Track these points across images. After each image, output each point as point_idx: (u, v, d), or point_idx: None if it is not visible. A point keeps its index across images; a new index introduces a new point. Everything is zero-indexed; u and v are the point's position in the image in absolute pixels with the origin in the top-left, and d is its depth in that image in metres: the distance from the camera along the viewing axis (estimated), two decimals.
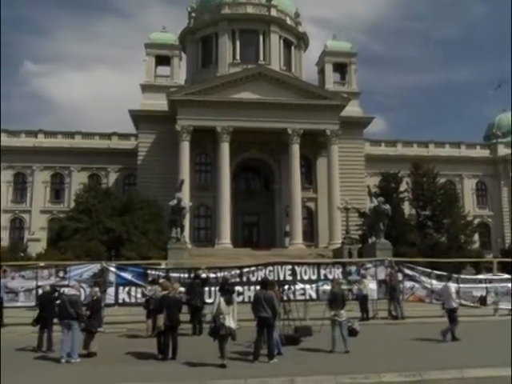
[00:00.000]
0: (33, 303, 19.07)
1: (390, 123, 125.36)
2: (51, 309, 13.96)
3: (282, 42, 55.89)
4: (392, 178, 45.10)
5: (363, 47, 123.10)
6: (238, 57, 53.66)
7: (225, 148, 46.45)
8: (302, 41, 59.10)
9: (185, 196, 38.98)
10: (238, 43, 54.14)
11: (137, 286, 19.15)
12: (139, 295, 18.65)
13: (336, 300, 13.80)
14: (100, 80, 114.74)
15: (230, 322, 11.73)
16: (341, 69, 55.97)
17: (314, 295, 19.87)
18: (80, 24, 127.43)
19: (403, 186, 45.60)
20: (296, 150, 47.13)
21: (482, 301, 21.65)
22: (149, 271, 19.66)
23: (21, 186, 54.11)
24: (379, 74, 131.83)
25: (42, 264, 21.03)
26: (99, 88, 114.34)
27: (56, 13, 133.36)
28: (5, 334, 17.03)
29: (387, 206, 32.20)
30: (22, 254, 40.37)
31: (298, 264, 20.80)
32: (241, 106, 46.28)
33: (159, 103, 48.59)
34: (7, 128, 55.47)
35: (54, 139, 54.88)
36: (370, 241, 32.89)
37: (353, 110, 51.29)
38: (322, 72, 56.64)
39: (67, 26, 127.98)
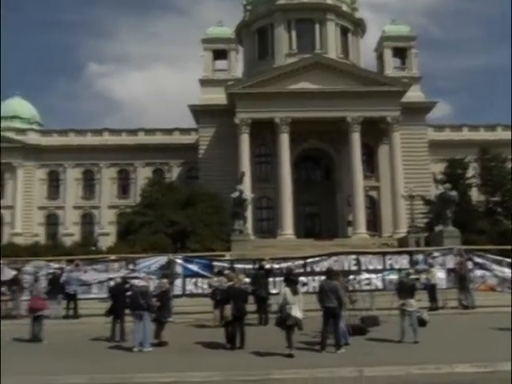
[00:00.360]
0: (105, 295, 19.85)
1: (453, 107, 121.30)
2: (123, 300, 14.45)
3: (338, 29, 55.00)
4: (458, 164, 43.68)
5: (422, 30, 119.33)
6: (294, 47, 53.29)
7: (284, 139, 46.40)
8: (359, 27, 57.93)
9: (246, 188, 39.31)
10: (293, 33, 53.73)
11: (203, 277, 19.56)
12: (205, 286, 19.03)
13: (405, 289, 13.56)
14: (160, 78, 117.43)
15: (297, 312, 11.77)
16: (400, 53, 54.51)
17: (379, 285, 19.61)
18: (139, 25, 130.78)
19: (470, 172, 44.15)
20: (356, 138, 46.45)
21: None
22: (214, 263, 20.05)
23: (89, 182, 56.31)
24: (439, 57, 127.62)
25: (112, 257, 21.82)
26: (159, 85, 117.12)
27: (117, 15, 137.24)
28: (80, 324, 17.88)
29: (454, 193, 31.24)
30: (93, 248, 42.03)
31: (363, 254, 20.57)
32: (299, 96, 46.04)
33: (218, 97, 49.10)
34: (75, 128, 57.96)
35: (118, 137, 56.75)
36: (436, 229, 32.03)
37: (414, 95, 49.90)
38: (380, 58, 55.38)
39: (128, 27, 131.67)
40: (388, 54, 53.98)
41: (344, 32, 55.97)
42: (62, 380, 9.93)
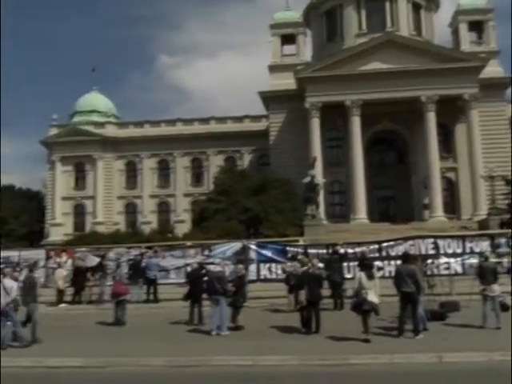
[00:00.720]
0: (182, 280, 20.50)
1: None
2: (200, 285, 14.83)
3: (410, 5, 52.91)
4: None
5: (499, 1, 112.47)
6: (364, 26, 51.95)
7: (355, 122, 45.55)
8: (432, 2, 55.52)
9: (318, 173, 39.06)
10: (363, 12, 52.28)
11: (277, 262, 19.70)
12: (279, 271, 19.16)
13: (486, 274, 13.04)
14: (229, 66, 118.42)
15: (373, 297, 11.61)
16: (477, 27, 51.73)
17: (459, 269, 18.91)
18: (208, 14, 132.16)
19: None
20: (431, 117, 44.80)
21: None
22: (288, 248, 20.10)
23: (164, 172, 57.98)
24: None
25: (188, 243, 22.41)
26: (229, 74, 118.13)
27: (186, 6, 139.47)
28: (159, 308, 18.55)
29: None
30: (170, 235, 43.40)
31: (441, 237, 19.90)
32: (370, 77, 44.92)
33: (287, 82, 48.84)
34: (149, 119, 59.77)
35: (191, 126, 57.94)
36: None
37: (493, 70, 47.30)
38: (455, 33, 52.87)
39: (197, 17, 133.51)
40: (464, 29, 51.42)
41: (416, 8, 53.81)
42: (142, 362, 10.36)
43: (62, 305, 19.75)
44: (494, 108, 47.29)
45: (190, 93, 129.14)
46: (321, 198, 38.41)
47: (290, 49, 54.27)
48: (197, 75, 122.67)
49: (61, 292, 20.10)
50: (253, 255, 20.08)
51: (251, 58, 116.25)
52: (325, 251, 19.45)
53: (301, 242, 22.83)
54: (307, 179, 34.12)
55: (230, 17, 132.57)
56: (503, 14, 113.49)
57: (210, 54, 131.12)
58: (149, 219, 55.45)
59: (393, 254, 19.08)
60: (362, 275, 11.93)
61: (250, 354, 10.48)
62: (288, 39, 53.93)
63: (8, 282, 12.30)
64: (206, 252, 20.56)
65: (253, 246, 20.42)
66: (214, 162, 55.53)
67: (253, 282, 19.40)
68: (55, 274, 20.19)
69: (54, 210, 56.59)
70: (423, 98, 44.57)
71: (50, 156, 58.15)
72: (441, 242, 19.29)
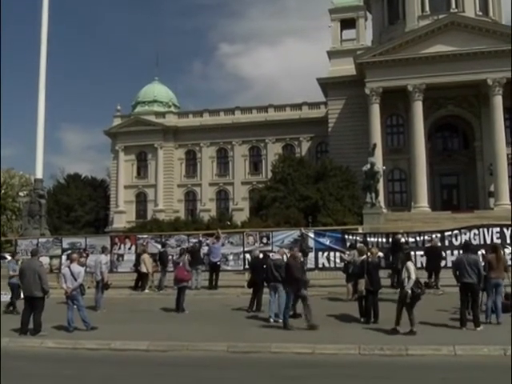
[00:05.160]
0: (241, 267, 20.74)
1: None
2: (260, 272, 14.91)
3: None
4: None
5: None
6: (427, 8, 50.07)
7: (417, 107, 44.31)
8: None
9: (378, 160, 38.33)
10: None
11: (335, 250, 19.55)
12: (338, 260, 19.01)
13: None
14: (289, 52, 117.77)
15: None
16: None
17: None
18: (266, 3, 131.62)
19: None
20: (498, 101, 42.90)
21: None
22: (346, 236, 19.87)
23: (222, 160, 58.61)
24: None
25: (247, 231, 22.56)
26: (289, 60, 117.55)
27: None
28: (219, 294, 18.86)
29: None
30: (229, 223, 43.90)
31: (508, 226, 19.10)
32: (433, 60, 43.55)
33: (347, 68, 48.12)
34: (209, 108, 60.47)
35: (249, 114, 58.14)
36: None
37: None
38: None
39: (256, 4, 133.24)
40: None
41: None
42: (203, 347, 10.59)
43: (147, 290, 20.27)
44: None
45: (250, 81, 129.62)
46: (380, 186, 37.70)
47: (350, 33, 53.45)
48: (257, 63, 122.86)
49: (146, 276, 20.47)
50: (311, 243, 20.01)
51: (312, 44, 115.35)
52: (384, 240, 19.12)
53: (360, 231, 22.48)
54: (367, 167, 33.53)
55: (290, 2, 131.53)
56: None
57: (270, 40, 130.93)
58: (208, 207, 56.35)
59: (456, 243, 18.49)
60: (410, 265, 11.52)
61: (308, 342, 10.48)
62: (348, 23, 53.08)
63: (75, 267, 12.83)
64: (265, 240, 20.64)
65: (311, 234, 20.34)
66: (272, 150, 55.59)
67: (311, 270, 19.35)
68: (144, 259, 20.28)
69: (118, 197, 58.51)
70: (490, 81, 42.76)
71: (113, 146, 60.06)
72: (507, 231, 18.54)
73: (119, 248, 22.25)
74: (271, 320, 13.18)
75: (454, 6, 49.08)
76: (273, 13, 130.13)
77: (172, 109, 61.56)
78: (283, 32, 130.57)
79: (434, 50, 44.11)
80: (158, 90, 62.78)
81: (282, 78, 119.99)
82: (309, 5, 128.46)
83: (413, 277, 11.18)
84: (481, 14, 49.43)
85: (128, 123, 59.28)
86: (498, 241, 18.40)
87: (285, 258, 14.20)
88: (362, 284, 12.78)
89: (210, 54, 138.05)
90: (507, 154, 43.20)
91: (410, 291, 11.06)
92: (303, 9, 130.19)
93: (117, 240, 22.77)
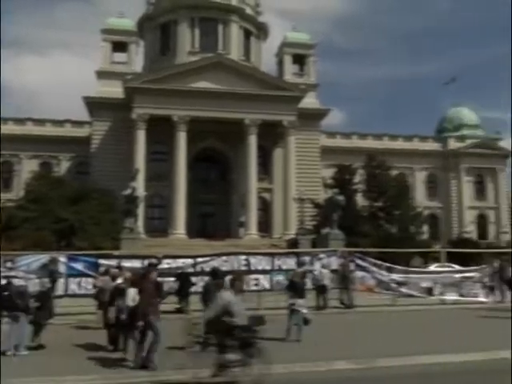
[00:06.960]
0: None
1: (351, 115, 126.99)
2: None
3: (241, 31, 55.44)
4: (346, 170, 45.70)
5: (327, 39, 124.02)
6: (196, 45, 53.00)
7: (181, 137, 46.04)
8: (262, 31, 58.80)
9: (139, 185, 38.44)
10: (197, 31, 53.41)
11: (88, 276, 18.75)
12: (90, 286, 18.26)
13: (293, 289, 13.90)
14: (56, 65, 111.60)
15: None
16: (299, 60, 56.18)
17: (267, 285, 19.99)
18: (37, 9, 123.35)
19: (357, 178, 46.17)
20: (253, 140, 47.13)
21: (429, 291, 22.40)
22: (100, 261, 19.19)
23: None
24: (343, 66, 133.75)
25: None
26: (55, 74, 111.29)
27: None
28: None
29: (341, 197, 32.69)
30: None
31: (253, 254, 20.86)
32: (198, 95, 45.88)
33: (116, 90, 47.60)
34: None
35: (4, 126, 52.75)
36: (323, 231, 33.29)
37: (310, 101, 51.65)
38: (280, 63, 56.77)
39: (27, 10, 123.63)
40: (288, 60, 55.44)
41: (247, 35, 56.54)
42: None
43: None
44: (309, 136, 51.52)
45: (9, 89, 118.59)
46: (140, 211, 37.77)
47: (121, 56, 53.12)
48: (20, 72, 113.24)
49: None
50: (62, 268, 18.86)
51: (84, 60, 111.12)
52: (140, 265, 19.03)
53: (115, 254, 22.03)
54: (127, 191, 33.34)
55: (63, 14, 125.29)
56: (324, 50, 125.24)
57: (38, 50, 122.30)
58: None
59: (207, 269, 19.38)
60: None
61: (46, 375, 9.74)
62: (120, 46, 52.81)
63: None
64: (9, 264, 18.75)
65: (62, 259, 19.17)
66: (27, 167, 51.41)
67: (60, 297, 18.18)
68: None
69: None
70: (247, 121, 46.78)
71: None
72: (252, 259, 20.22)
73: None
74: (8, 353, 11.93)
75: (221, 47, 52.86)
76: (40, 21, 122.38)
77: None
78: (53, 43, 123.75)
79: (200, 85, 46.56)
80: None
81: (45, 91, 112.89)
82: (84, 19, 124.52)
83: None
84: (244, 58, 54.14)
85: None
86: (245, 268, 19.94)
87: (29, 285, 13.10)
88: (112, 311, 12.42)
89: None
90: (257, 188, 47.45)
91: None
92: (78, 23, 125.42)
93: None
